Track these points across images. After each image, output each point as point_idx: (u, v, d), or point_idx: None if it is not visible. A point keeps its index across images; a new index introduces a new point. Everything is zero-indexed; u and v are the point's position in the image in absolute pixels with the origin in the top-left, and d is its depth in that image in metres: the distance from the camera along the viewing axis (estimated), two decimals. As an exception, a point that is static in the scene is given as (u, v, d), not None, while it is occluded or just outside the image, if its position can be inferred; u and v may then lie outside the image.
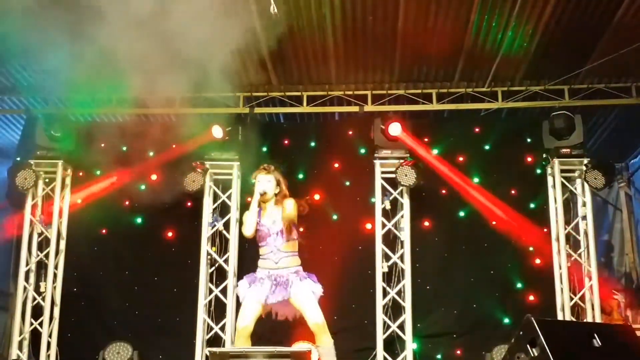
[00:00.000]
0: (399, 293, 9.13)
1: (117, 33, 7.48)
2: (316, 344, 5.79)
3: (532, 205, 9.65)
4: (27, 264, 9.26)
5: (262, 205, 6.09)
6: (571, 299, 8.96)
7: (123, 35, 7.48)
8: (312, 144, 10.05)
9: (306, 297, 5.77)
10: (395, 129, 9.16)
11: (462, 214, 9.76)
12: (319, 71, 9.32)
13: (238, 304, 8.80)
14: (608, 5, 7.84)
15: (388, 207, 9.32)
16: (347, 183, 9.94)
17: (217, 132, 9.23)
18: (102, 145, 9.64)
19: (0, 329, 9.97)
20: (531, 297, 9.36)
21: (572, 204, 9.39)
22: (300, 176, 9.76)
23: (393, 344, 9.05)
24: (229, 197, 9.53)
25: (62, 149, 9.41)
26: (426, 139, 9.78)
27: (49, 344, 9.21)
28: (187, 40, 7.52)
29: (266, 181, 6.05)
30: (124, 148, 10.01)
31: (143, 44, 7.87)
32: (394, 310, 9.11)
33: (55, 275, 9.36)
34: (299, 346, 7.93)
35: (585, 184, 9.13)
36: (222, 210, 9.56)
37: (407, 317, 9.00)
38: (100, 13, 7.33)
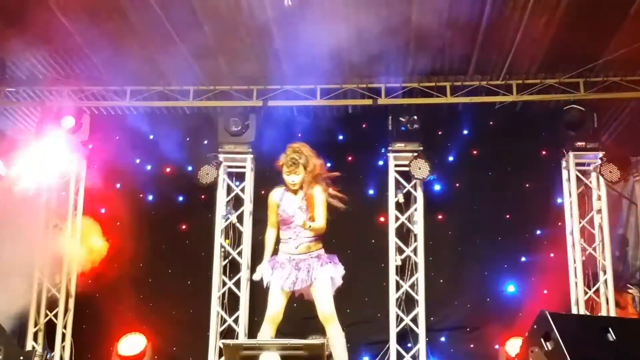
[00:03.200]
0: (412, 286, 9.14)
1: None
2: (326, 335, 5.78)
3: (546, 199, 9.61)
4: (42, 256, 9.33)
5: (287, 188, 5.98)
6: (585, 293, 8.93)
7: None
8: (325, 137, 10.04)
9: (322, 285, 5.74)
10: (407, 122, 9.15)
11: (475, 207, 9.72)
12: (333, 64, 9.29)
13: (252, 296, 8.98)
14: (624, -2, 7.79)
15: (401, 200, 9.32)
16: (361, 176, 9.93)
17: (233, 124, 9.26)
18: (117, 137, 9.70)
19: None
20: (545, 291, 9.33)
21: (586, 198, 9.35)
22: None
23: (406, 337, 9.06)
24: (242, 190, 9.55)
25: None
26: (440, 132, 9.76)
27: (63, 335, 9.30)
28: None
29: (294, 176, 5.87)
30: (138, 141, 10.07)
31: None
32: (407, 303, 9.12)
33: (70, 266, 9.43)
34: (313, 339, 7.95)
35: (600, 178, 9.09)
36: (236, 202, 9.59)
37: (421, 310, 9.00)
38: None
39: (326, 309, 5.70)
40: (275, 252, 6.03)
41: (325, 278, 5.76)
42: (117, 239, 9.82)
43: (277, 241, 6.02)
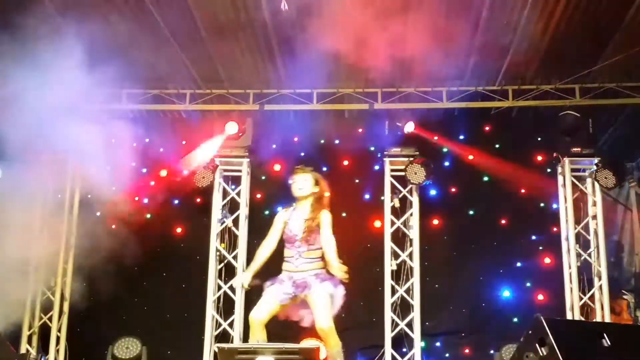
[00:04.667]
0: (407, 291, 9.13)
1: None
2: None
3: (541, 205, 9.64)
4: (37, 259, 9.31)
5: (296, 205, 5.93)
6: (580, 298, 8.94)
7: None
8: (322, 141, 10.06)
9: (319, 299, 5.67)
10: (408, 127, 9.16)
11: (471, 212, 9.75)
12: (329, 68, 9.30)
13: (247, 300, 8.96)
14: (619, 5, 7.80)
15: (397, 205, 9.32)
16: (357, 181, 9.95)
17: (231, 128, 9.27)
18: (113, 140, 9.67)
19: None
20: (540, 297, 9.35)
21: (582, 204, 9.37)
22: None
23: (401, 342, 9.06)
24: (238, 194, 9.54)
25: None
26: (436, 137, 9.78)
27: (58, 338, 9.27)
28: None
29: (303, 180, 5.88)
30: (134, 144, 10.05)
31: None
32: (403, 308, 9.12)
33: (65, 269, 9.41)
34: (308, 343, 7.95)
35: (596, 183, 9.10)
36: (232, 206, 9.57)
37: (416, 315, 9.00)
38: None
39: (323, 324, 5.61)
40: (279, 271, 5.96)
41: (322, 292, 5.69)
42: (112, 242, 9.81)
43: (281, 259, 5.97)
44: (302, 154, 9.76)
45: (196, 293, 9.35)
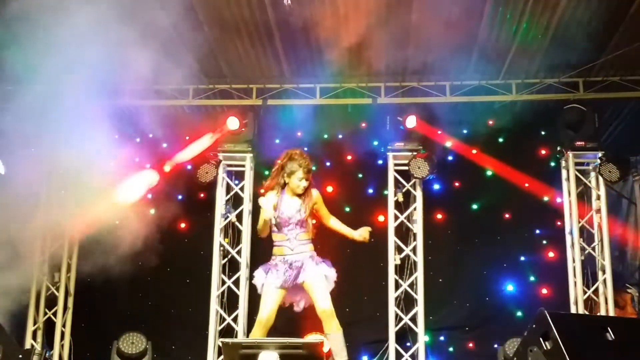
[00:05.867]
0: (411, 285, 9.13)
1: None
2: (324, 332, 5.78)
3: (545, 199, 9.63)
4: (41, 254, 9.32)
5: (284, 191, 6.00)
6: (584, 292, 8.93)
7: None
8: (325, 136, 10.05)
9: (318, 282, 5.75)
10: (411, 121, 9.15)
11: (474, 206, 9.75)
12: (332, 63, 9.29)
13: (251, 295, 8.96)
14: (623, -3, 7.79)
15: (401, 199, 9.32)
16: (360, 175, 9.95)
17: (233, 123, 9.26)
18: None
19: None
20: (544, 291, 9.35)
21: (586, 197, 9.35)
22: (313, 168, 9.73)
23: (405, 337, 9.06)
24: (242, 189, 9.55)
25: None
26: (439, 132, 9.77)
27: (62, 333, 9.30)
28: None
29: (307, 179, 5.99)
30: (138, 139, 10.05)
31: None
32: (406, 302, 9.12)
33: (69, 265, 9.42)
34: (311, 338, 7.95)
35: (600, 177, 9.09)
36: (235, 201, 9.58)
37: (420, 309, 9.00)
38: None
39: (325, 306, 5.69)
40: (267, 259, 6.01)
41: (320, 276, 5.78)
42: (115, 237, 9.81)
43: (269, 249, 6.02)
44: (305, 148, 9.71)
45: (200, 288, 9.36)
